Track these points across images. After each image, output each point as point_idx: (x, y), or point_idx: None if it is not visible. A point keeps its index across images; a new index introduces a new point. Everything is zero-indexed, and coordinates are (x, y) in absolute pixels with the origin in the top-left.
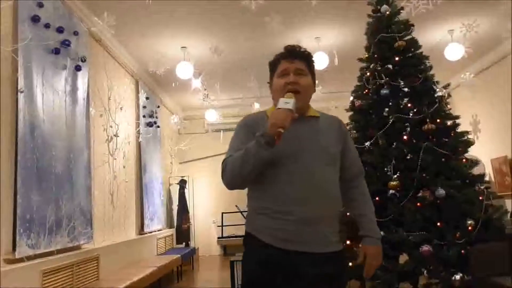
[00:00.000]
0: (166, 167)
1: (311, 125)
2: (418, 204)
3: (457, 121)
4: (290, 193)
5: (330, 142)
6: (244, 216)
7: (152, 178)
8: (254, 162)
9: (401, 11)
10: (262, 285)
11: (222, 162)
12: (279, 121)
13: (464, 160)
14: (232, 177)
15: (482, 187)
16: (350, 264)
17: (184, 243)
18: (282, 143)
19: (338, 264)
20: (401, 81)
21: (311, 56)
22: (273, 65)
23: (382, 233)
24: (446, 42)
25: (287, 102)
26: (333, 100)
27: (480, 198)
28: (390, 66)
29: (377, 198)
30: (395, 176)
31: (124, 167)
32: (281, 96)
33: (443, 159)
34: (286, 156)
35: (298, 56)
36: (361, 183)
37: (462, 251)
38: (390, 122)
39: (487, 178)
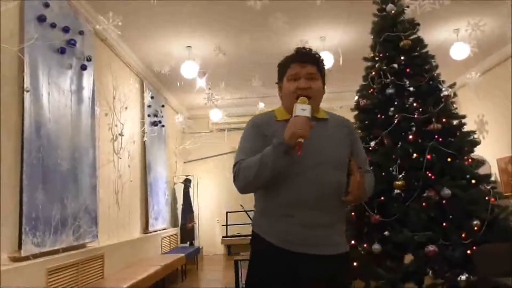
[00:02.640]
0: (170, 166)
1: (321, 129)
2: (423, 204)
3: (463, 120)
4: (297, 197)
5: (338, 146)
6: (249, 216)
7: (156, 177)
8: (272, 170)
9: (406, 9)
10: (268, 285)
11: (234, 166)
12: (299, 130)
13: (470, 160)
14: (246, 183)
15: (488, 187)
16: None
17: (188, 242)
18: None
19: (342, 265)
20: (407, 81)
21: (322, 60)
22: (283, 67)
23: (386, 233)
24: (451, 41)
25: (304, 109)
26: (338, 100)
27: (486, 198)
28: (395, 65)
29: (382, 198)
30: (400, 176)
31: (129, 166)
32: (292, 100)
33: (448, 159)
34: (296, 161)
35: (310, 60)
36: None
37: (468, 252)
38: (395, 122)
39: (493, 178)
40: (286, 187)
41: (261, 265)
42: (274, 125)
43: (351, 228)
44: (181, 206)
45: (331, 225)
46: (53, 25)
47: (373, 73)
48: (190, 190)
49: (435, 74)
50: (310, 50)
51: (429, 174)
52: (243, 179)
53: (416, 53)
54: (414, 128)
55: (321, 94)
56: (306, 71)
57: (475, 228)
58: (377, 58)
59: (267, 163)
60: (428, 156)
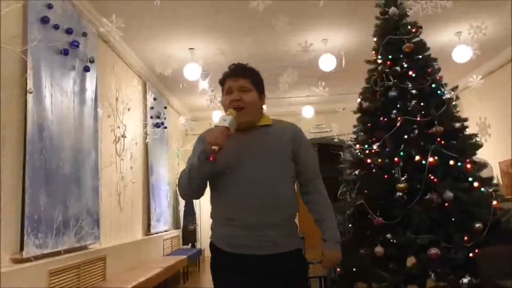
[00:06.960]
0: (173, 168)
1: (260, 134)
2: (426, 206)
3: (465, 123)
4: (236, 201)
5: (276, 145)
6: None
7: (159, 179)
8: (198, 176)
9: (409, 11)
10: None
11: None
12: (213, 139)
13: (472, 162)
14: (183, 189)
15: (490, 190)
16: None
17: (190, 244)
18: (225, 155)
19: (293, 263)
20: (409, 83)
21: (255, 72)
22: (221, 83)
23: (389, 235)
24: (453, 44)
25: (225, 120)
26: (341, 102)
27: (489, 201)
28: (398, 68)
29: (384, 201)
30: (403, 178)
31: (131, 168)
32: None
33: (451, 162)
34: (231, 166)
35: (241, 74)
36: (316, 187)
37: (470, 254)
38: (398, 124)
39: (495, 181)
40: (226, 194)
41: (217, 271)
42: None
43: (354, 230)
44: (183, 208)
45: (275, 225)
46: (56, 27)
47: (376, 76)
48: None
49: (437, 77)
50: (242, 65)
51: (432, 177)
52: (181, 186)
53: (419, 56)
54: (416, 131)
55: (255, 103)
56: (238, 85)
57: (478, 230)
58: (379, 61)
59: (195, 169)
60: (431, 159)
